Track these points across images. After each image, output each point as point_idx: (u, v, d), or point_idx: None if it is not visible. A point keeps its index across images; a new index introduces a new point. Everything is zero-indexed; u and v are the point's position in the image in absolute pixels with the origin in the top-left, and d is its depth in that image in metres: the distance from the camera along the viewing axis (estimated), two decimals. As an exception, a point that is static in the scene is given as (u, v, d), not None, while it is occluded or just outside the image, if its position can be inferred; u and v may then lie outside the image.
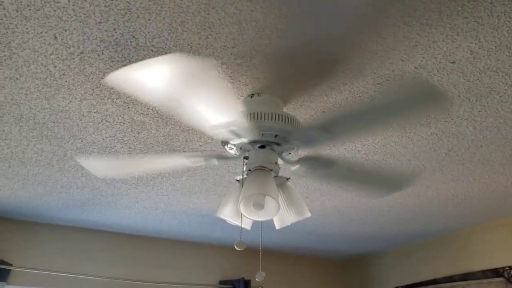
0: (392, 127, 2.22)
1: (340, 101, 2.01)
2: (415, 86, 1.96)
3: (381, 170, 2.61)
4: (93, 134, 2.31)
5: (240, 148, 1.91)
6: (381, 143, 2.38)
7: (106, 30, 1.59)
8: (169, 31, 1.59)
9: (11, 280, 3.73)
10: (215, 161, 1.98)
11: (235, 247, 1.83)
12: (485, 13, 1.51)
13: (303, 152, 2.38)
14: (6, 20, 1.54)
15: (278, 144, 1.88)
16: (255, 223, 2.12)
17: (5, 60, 1.75)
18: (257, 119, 1.79)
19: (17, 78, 1.86)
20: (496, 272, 3.62)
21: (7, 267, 3.66)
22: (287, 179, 1.99)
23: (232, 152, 1.96)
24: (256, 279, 1.95)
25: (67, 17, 1.52)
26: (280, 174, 1.94)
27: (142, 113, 2.11)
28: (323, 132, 1.87)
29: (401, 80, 1.88)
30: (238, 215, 1.93)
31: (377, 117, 1.88)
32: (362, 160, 2.57)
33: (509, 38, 1.63)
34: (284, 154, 1.92)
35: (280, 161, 1.94)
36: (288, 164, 1.98)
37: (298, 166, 1.96)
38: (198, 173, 2.80)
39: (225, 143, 1.89)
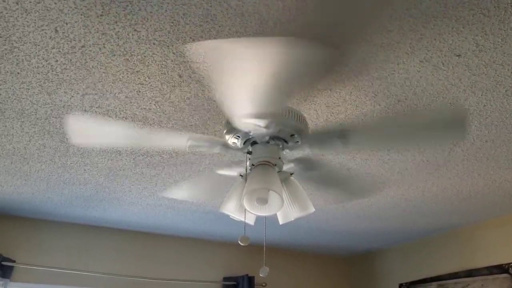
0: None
1: (344, 96, 1.99)
2: (442, 113, 1.99)
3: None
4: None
5: (244, 143, 1.90)
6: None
7: (107, 23, 1.57)
8: (171, 24, 1.57)
9: (15, 277, 3.74)
10: (217, 149, 1.96)
11: (239, 242, 1.82)
12: (492, 4, 1.49)
13: (299, 153, 2.36)
14: (7, 13, 1.53)
15: (281, 138, 1.86)
16: (259, 219, 2.11)
17: (6, 54, 1.73)
18: (261, 114, 1.77)
19: (18, 73, 1.85)
20: (501, 269, 3.59)
21: (10, 264, 3.66)
22: (291, 174, 1.97)
23: (236, 146, 1.94)
24: (260, 275, 1.93)
25: (68, 10, 1.51)
26: (284, 169, 1.92)
27: (145, 108, 2.10)
28: (339, 138, 1.88)
29: (430, 104, 1.91)
30: (241, 210, 1.92)
31: (397, 137, 1.89)
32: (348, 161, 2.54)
33: (516, 30, 1.60)
34: (290, 144, 1.90)
35: (288, 151, 1.93)
36: (299, 151, 1.96)
37: (308, 150, 1.94)
38: (202, 169, 2.78)
39: (230, 131, 1.86)
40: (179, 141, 1.90)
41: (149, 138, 1.91)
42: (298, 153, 2.38)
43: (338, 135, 1.88)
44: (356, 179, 2.75)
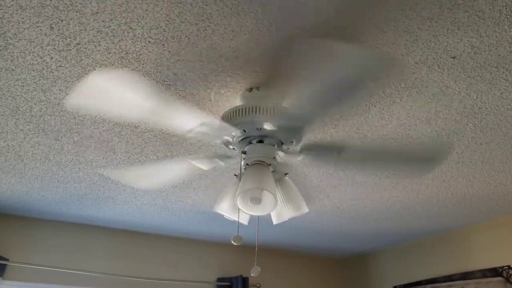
0: (392, 125, 2.21)
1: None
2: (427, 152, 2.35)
3: (402, 148, 2.45)
4: (90, 127, 2.29)
5: (238, 143, 1.90)
6: (380, 139, 2.36)
7: (103, 21, 1.57)
8: (167, 22, 1.57)
9: (7, 275, 3.72)
10: (219, 162, 1.98)
11: (232, 242, 1.82)
12: (487, 6, 1.49)
13: (304, 142, 2.36)
14: (1, 10, 1.52)
15: (276, 138, 1.86)
16: (252, 219, 2.11)
17: (0, 50, 1.73)
18: (255, 113, 1.77)
19: (13, 70, 1.84)
20: (495, 272, 3.60)
21: (3, 262, 3.64)
22: (285, 174, 1.97)
23: (230, 146, 1.94)
24: (252, 274, 1.93)
25: (64, 7, 1.50)
26: (278, 169, 1.92)
27: (140, 107, 2.09)
28: (335, 152, 1.95)
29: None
30: (235, 210, 1.91)
31: (384, 164, 2.18)
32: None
33: (510, 33, 1.61)
34: (284, 147, 1.90)
35: (282, 154, 1.93)
36: (292, 156, 1.97)
37: (302, 156, 1.95)
38: (196, 169, 2.77)
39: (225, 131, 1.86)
40: (191, 121, 1.79)
41: (164, 108, 1.74)
42: (293, 154, 2.36)
43: (336, 149, 1.93)
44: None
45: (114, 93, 1.62)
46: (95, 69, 1.83)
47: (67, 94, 2.00)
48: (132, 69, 1.82)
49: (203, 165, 2.05)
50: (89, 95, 1.87)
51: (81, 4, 1.49)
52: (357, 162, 2.15)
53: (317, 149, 2.00)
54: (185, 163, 2.07)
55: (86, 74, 1.85)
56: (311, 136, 2.32)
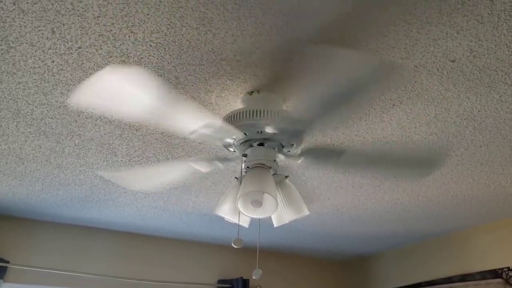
0: (392, 127, 2.22)
1: (339, 99, 2.00)
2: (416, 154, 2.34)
3: (401, 152, 2.48)
4: (91, 130, 2.30)
5: (239, 146, 1.90)
6: (381, 142, 2.37)
7: (104, 25, 1.58)
8: (168, 26, 1.58)
9: (8, 278, 3.72)
10: (219, 164, 1.99)
11: (232, 244, 1.83)
12: (485, 11, 1.50)
13: (304, 145, 2.37)
14: (3, 14, 1.53)
15: (277, 141, 1.87)
16: (253, 222, 2.12)
17: (2, 54, 1.74)
18: (256, 116, 1.78)
19: (14, 73, 1.85)
20: (494, 273, 3.61)
21: (4, 265, 3.64)
22: (286, 176, 1.98)
23: (231, 149, 1.95)
24: (253, 277, 1.94)
25: (65, 11, 1.51)
26: (279, 172, 1.93)
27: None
28: (335, 156, 1.96)
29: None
30: (236, 213, 1.92)
31: (382, 168, 2.26)
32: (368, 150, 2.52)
33: (509, 36, 1.62)
34: (285, 150, 1.91)
35: (282, 157, 1.94)
36: (292, 159, 1.97)
37: (302, 159, 1.96)
38: (197, 171, 2.78)
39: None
40: (194, 122, 1.77)
41: (168, 108, 1.72)
42: (293, 157, 2.37)
43: (335, 153, 1.94)
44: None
45: (119, 91, 1.60)
46: (100, 69, 1.81)
47: (68, 97, 2.01)
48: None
49: (203, 168, 2.06)
50: (93, 93, 1.85)
51: (82, 8, 1.50)
52: (357, 166, 2.17)
53: (316, 152, 2.02)
54: (185, 165, 2.08)
55: (88, 77, 1.86)
56: (311, 139, 2.33)
